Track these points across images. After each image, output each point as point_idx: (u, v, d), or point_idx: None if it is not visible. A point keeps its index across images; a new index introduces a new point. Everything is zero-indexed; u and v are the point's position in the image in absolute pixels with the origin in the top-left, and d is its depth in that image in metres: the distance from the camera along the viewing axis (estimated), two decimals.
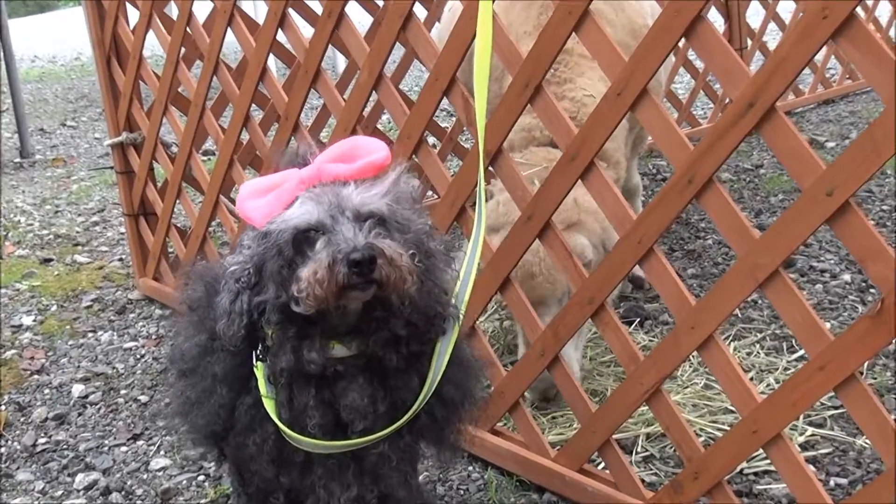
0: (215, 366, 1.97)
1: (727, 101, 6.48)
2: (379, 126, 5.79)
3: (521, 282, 3.06)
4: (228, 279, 1.87)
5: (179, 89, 4.27)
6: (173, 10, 3.97)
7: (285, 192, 1.82)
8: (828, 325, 3.63)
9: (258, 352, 1.91)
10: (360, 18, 3.89)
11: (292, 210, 1.79)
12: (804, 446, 2.89)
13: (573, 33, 2.35)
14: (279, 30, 3.34)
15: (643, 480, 2.69)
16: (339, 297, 1.73)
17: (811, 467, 2.72)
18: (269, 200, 1.82)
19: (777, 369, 3.35)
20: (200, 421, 2.01)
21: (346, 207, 1.77)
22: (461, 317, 2.03)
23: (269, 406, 1.92)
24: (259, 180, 1.90)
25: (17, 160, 8.42)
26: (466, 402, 2.06)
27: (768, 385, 3.24)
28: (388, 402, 1.93)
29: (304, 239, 1.76)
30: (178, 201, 4.28)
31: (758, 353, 3.50)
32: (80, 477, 3.15)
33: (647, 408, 2.55)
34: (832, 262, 4.23)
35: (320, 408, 1.90)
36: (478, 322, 2.87)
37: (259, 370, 1.93)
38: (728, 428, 2.92)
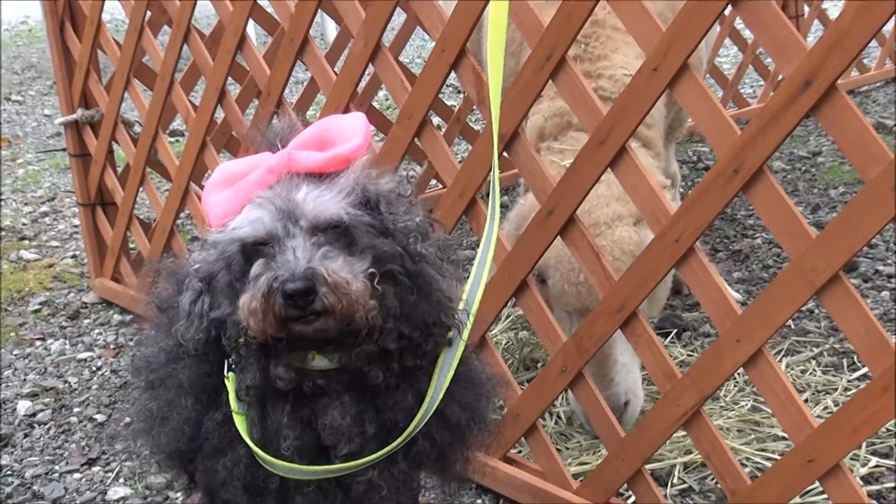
0: (181, 373, 1.98)
1: (780, 78, 6.49)
2: (374, 104, 5.81)
3: (579, 284, 3.06)
4: (192, 277, 1.89)
5: (144, 59, 4.28)
6: None
7: (248, 186, 1.82)
8: (895, 338, 3.64)
9: (230, 361, 1.93)
10: None
11: (241, 218, 1.80)
12: (866, 479, 2.90)
13: None
14: None
15: None
16: (280, 329, 1.75)
17: (874, 503, 2.73)
18: (228, 196, 1.83)
19: (836, 389, 3.37)
20: (163, 438, 2.02)
21: (300, 215, 1.77)
22: (469, 325, 2.04)
23: (240, 423, 1.94)
24: (231, 166, 1.90)
25: None
26: (474, 426, 2.06)
27: (826, 408, 3.25)
28: (379, 423, 1.94)
29: (254, 252, 1.78)
30: (141, 189, 4.30)
31: (813, 370, 3.51)
32: None
33: (684, 433, 2.56)
34: None
35: (296, 427, 1.91)
36: (489, 333, 2.89)
37: (230, 381, 1.94)
38: (778, 457, 2.93)
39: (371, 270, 1.80)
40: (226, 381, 1.95)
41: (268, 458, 1.91)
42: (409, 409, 1.95)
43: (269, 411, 1.92)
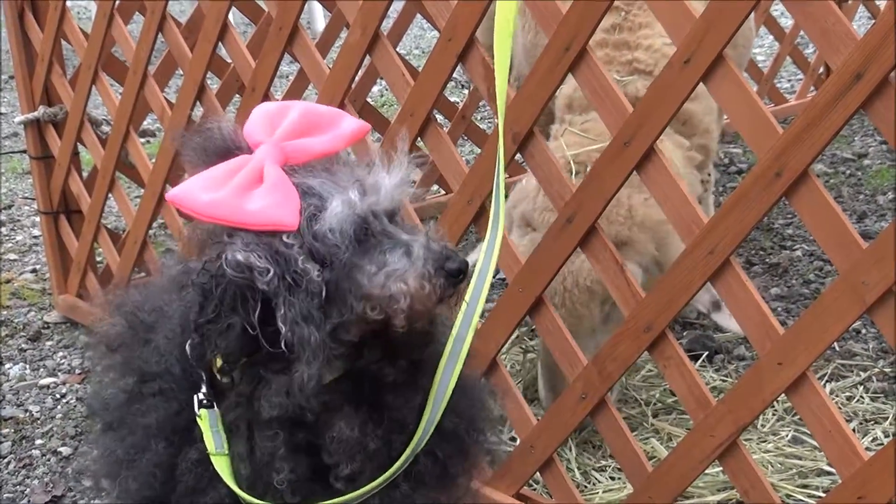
0: (147, 415, 1.99)
1: (821, 70, 6.50)
2: (369, 100, 5.82)
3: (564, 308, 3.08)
4: (300, 291, 1.81)
5: (113, 51, 4.28)
6: None
7: (282, 182, 1.82)
8: None
9: (202, 396, 1.94)
10: None
11: (332, 206, 1.81)
12: None
13: None
14: None
15: None
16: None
17: None
18: (268, 192, 1.81)
19: (887, 418, 3.37)
20: (132, 484, 2.03)
21: (384, 201, 1.84)
22: (471, 334, 2.07)
23: (220, 464, 1.94)
24: (212, 176, 1.86)
25: None
26: (474, 433, 2.10)
27: (875, 439, 3.26)
28: (381, 435, 1.95)
29: (363, 239, 1.82)
30: (110, 195, 4.29)
31: (861, 397, 3.51)
32: None
33: (719, 467, 2.56)
34: None
35: (292, 457, 1.92)
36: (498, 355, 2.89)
37: (203, 420, 1.94)
38: (823, 494, 2.93)
39: None
40: (198, 419, 1.95)
41: (255, 501, 1.92)
42: (417, 407, 1.99)
43: (258, 441, 1.93)
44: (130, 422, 2.02)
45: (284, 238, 1.80)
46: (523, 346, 3.89)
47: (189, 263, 1.91)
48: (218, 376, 1.92)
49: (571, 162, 3.21)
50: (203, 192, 1.82)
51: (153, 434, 1.99)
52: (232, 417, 1.93)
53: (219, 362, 1.90)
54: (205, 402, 1.93)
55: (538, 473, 2.85)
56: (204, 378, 1.93)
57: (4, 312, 4.91)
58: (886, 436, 3.24)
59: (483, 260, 2.20)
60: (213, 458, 1.94)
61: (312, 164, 1.86)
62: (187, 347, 1.90)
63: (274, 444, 1.92)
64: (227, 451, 1.94)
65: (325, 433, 1.92)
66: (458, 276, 1.83)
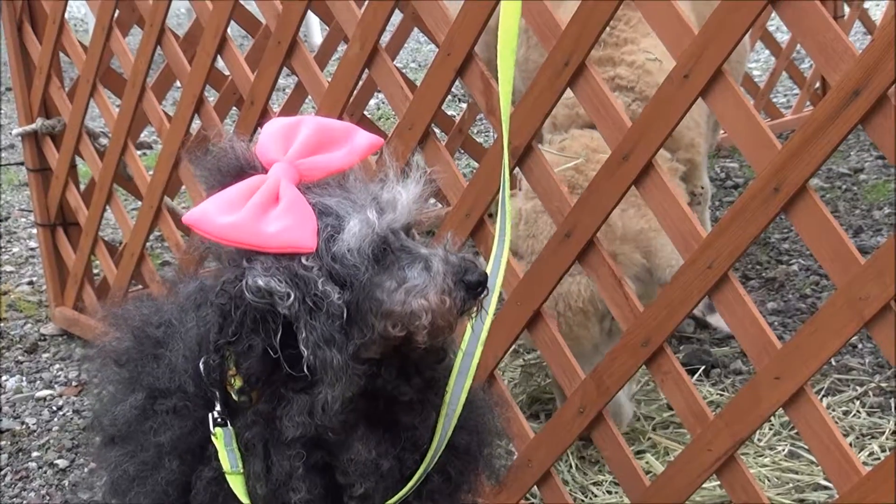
0: (160, 433, 1.98)
1: (817, 85, 6.51)
2: (366, 113, 5.82)
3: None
4: (320, 314, 1.81)
5: (112, 63, 4.28)
6: None
7: (298, 201, 1.81)
8: None
9: (216, 414, 1.93)
10: None
11: (350, 224, 1.80)
12: None
13: None
14: None
15: None
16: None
17: None
18: (284, 212, 1.80)
19: (883, 433, 3.37)
20: (143, 501, 2.02)
21: (402, 216, 1.84)
22: (479, 352, 2.08)
23: (235, 483, 1.94)
24: (228, 197, 1.85)
25: None
26: (486, 448, 2.11)
27: (871, 454, 3.26)
28: (395, 454, 1.95)
29: (382, 256, 1.82)
30: (107, 208, 4.30)
31: (857, 411, 3.51)
32: None
33: (716, 482, 2.55)
34: None
35: (308, 476, 1.91)
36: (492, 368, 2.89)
37: (218, 438, 1.94)
38: None
39: None
40: (213, 438, 1.94)
41: None
42: (432, 426, 1.99)
43: (275, 460, 1.92)
44: (142, 439, 2.01)
45: (303, 260, 1.79)
46: (522, 362, 3.89)
47: (205, 281, 1.92)
48: (234, 396, 1.92)
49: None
50: (220, 214, 1.81)
51: (167, 452, 1.98)
52: (248, 436, 1.92)
53: (238, 382, 1.90)
54: (219, 420, 1.93)
55: (535, 487, 2.85)
56: (218, 396, 1.93)
57: (1, 324, 4.91)
58: (883, 450, 3.25)
59: (490, 275, 2.20)
60: (228, 477, 1.93)
61: (327, 179, 1.86)
62: (200, 365, 1.90)
63: (292, 464, 1.91)
64: (241, 470, 1.94)
65: (341, 454, 1.92)
66: (477, 289, 1.83)
